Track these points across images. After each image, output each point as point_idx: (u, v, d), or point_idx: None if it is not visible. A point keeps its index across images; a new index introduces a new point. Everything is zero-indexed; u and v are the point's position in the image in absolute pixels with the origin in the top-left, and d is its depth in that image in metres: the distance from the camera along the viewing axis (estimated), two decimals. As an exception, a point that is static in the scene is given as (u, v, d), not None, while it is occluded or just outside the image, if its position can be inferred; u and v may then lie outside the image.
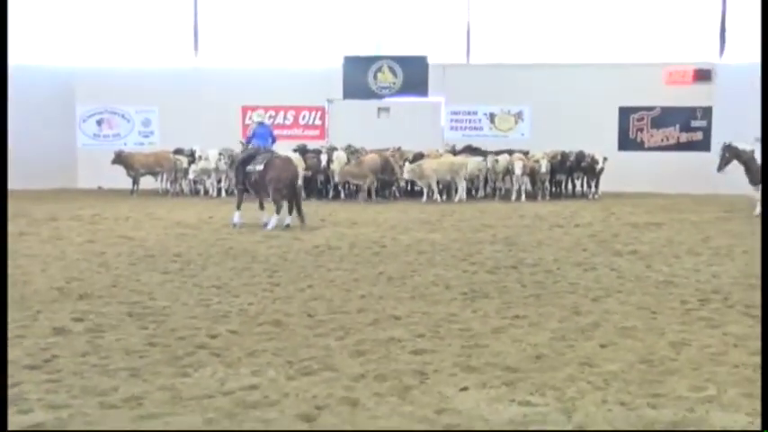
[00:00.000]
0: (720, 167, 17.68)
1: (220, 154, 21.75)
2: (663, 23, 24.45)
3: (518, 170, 20.72)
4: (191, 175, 22.56)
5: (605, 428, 4.69)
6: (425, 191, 20.90)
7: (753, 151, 17.31)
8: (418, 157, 21.80)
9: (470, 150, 22.96)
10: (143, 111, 25.93)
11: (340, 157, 20.81)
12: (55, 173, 24.18)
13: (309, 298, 8.32)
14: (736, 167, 17.46)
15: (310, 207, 18.85)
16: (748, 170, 17.28)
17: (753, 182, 17.19)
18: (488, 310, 7.70)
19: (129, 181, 22.95)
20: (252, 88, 24.63)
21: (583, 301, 8.18)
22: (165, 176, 23.39)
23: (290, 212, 14.43)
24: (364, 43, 25.32)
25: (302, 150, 22.03)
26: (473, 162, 21.51)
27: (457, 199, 20.73)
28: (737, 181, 17.60)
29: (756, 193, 16.97)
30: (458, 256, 11.14)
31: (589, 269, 10.12)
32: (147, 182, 23.26)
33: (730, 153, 17.67)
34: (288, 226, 14.18)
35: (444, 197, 21.04)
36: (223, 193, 22.35)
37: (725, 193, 18.23)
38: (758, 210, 16.32)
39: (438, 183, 20.92)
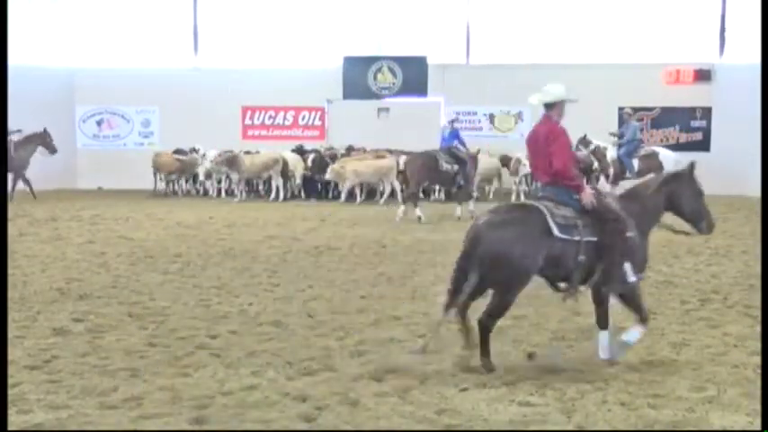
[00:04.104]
0: None
1: (219, 155, 21.60)
2: (663, 24, 24.41)
3: (526, 169, 20.70)
4: (201, 177, 22.28)
5: (605, 428, 4.69)
6: (344, 193, 20.19)
7: (606, 148, 18.77)
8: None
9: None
10: (143, 111, 25.88)
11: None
12: (55, 173, 24.13)
13: (309, 298, 8.32)
14: (734, 169, 17.47)
15: (311, 208, 18.86)
16: (602, 166, 18.50)
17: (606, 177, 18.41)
18: (488, 311, 7.67)
19: (130, 182, 22.91)
20: (252, 88, 24.61)
21: (583, 301, 8.15)
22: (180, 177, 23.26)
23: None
24: (364, 43, 25.30)
25: (300, 151, 22.04)
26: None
27: (382, 201, 19.89)
28: (736, 181, 17.58)
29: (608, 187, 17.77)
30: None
31: (589, 269, 10.08)
32: (145, 182, 23.21)
33: (584, 146, 19.08)
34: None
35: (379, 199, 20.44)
36: (223, 193, 22.33)
37: (724, 193, 18.21)
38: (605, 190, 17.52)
39: (362, 185, 20.43)
